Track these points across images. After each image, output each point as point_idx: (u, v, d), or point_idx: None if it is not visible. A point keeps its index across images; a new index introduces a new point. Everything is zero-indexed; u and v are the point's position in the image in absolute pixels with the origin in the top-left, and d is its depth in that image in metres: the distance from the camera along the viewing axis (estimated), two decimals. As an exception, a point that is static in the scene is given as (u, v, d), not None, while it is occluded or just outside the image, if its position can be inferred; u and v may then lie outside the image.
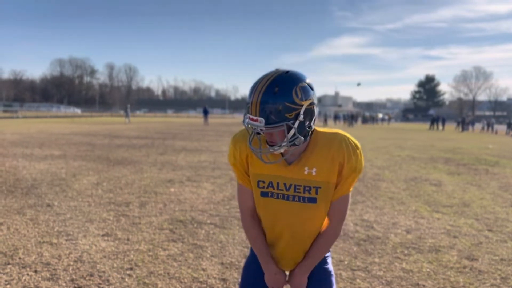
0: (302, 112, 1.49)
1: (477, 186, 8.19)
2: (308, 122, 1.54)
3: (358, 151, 1.61)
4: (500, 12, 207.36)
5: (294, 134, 1.50)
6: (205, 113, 36.79)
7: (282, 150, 1.53)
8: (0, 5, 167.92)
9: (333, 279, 1.78)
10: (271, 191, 1.65)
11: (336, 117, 57.48)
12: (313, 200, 1.62)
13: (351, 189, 1.68)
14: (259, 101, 1.47)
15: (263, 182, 1.66)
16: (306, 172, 1.60)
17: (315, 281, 1.74)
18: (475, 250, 4.35)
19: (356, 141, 1.63)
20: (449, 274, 3.69)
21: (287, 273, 1.79)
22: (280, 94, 1.46)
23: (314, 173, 1.60)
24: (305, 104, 1.50)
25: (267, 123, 1.46)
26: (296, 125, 1.49)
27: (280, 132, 1.52)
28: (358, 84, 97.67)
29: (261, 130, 1.49)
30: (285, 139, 1.50)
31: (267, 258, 1.73)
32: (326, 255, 1.79)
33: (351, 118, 49.41)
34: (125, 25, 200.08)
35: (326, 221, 1.71)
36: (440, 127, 43.29)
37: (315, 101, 1.55)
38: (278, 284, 1.74)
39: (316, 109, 1.58)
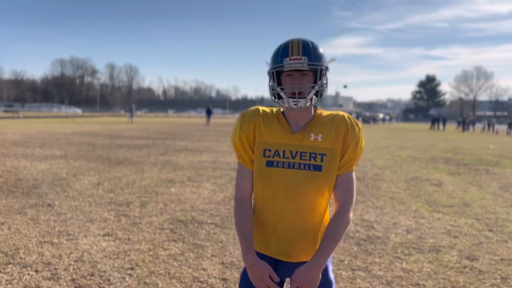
0: (327, 68, 1.64)
1: (477, 186, 8.19)
2: (326, 84, 1.65)
3: (359, 127, 1.69)
4: (501, 12, 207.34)
5: (325, 82, 1.63)
6: (208, 113, 36.84)
7: (309, 96, 1.60)
8: (0, 5, 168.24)
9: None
10: (277, 159, 1.65)
11: None
12: (318, 168, 1.63)
13: (354, 167, 1.69)
14: (301, 43, 1.61)
15: (269, 150, 1.67)
16: (312, 139, 1.65)
17: None
18: (475, 250, 4.35)
19: (357, 121, 1.71)
20: (450, 274, 3.70)
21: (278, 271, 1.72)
22: (316, 45, 1.64)
23: (320, 139, 1.64)
24: (328, 63, 1.66)
25: (310, 60, 1.58)
26: (327, 74, 1.64)
27: (312, 78, 1.62)
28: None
29: (304, 66, 1.58)
30: (319, 82, 1.61)
31: (249, 242, 1.61)
32: (327, 263, 1.71)
33: None
34: (126, 25, 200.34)
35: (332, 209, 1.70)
36: (441, 127, 43.26)
37: None
38: (259, 277, 1.57)
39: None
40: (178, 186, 7.25)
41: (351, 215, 1.66)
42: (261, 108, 1.76)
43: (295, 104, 1.59)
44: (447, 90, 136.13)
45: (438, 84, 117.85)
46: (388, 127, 46.49)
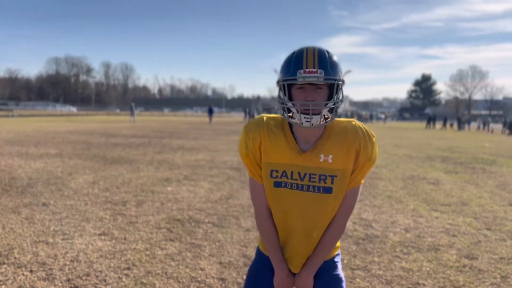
0: (343, 81, 1.52)
1: (474, 185, 8.19)
2: (342, 99, 1.54)
3: (373, 140, 1.58)
4: (496, 12, 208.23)
5: (340, 97, 1.50)
6: (210, 112, 38.15)
7: (323, 112, 1.48)
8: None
9: (344, 285, 1.70)
10: (285, 181, 1.58)
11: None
12: (328, 190, 1.56)
13: (363, 180, 1.64)
14: (316, 54, 1.47)
15: (277, 171, 1.59)
16: (322, 160, 1.54)
17: None
18: (474, 249, 4.33)
19: (371, 130, 1.60)
20: (449, 273, 3.67)
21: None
22: (332, 56, 1.51)
23: (330, 161, 1.54)
24: (343, 75, 1.53)
25: (326, 74, 1.45)
26: (343, 88, 1.51)
27: (327, 93, 1.50)
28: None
29: (320, 81, 1.45)
30: (334, 98, 1.48)
31: (279, 257, 1.65)
32: (336, 259, 1.72)
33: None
34: (121, 23, 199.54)
35: None
36: (437, 126, 43.43)
37: None
38: (288, 287, 1.67)
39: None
40: (174, 185, 7.19)
41: (345, 227, 1.67)
42: (266, 118, 1.63)
43: (307, 121, 1.46)
44: (443, 89, 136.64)
45: (434, 83, 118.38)
46: (383, 126, 46.56)
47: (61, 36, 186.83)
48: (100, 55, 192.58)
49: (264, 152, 1.59)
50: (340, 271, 1.72)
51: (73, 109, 78.18)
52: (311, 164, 1.55)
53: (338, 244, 1.73)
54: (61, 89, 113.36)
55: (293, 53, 1.52)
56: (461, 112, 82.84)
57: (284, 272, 1.65)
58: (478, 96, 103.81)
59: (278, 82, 1.54)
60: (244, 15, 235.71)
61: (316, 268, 1.64)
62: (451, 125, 45.06)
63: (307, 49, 1.50)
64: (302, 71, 1.45)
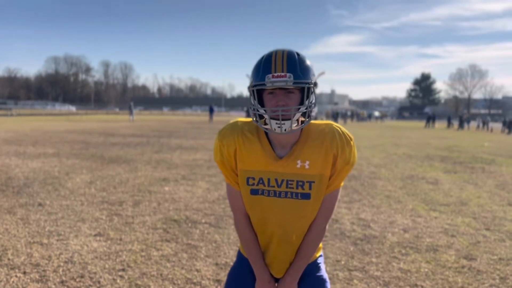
0: (316, 84, 1.47)
1: (473, 185, 8.15)
2: (315, 102, 1.48)
3: (351, 143, 1.54)
4: (495, 11, 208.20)
5: (313, 101, 1.45)
6: (211, 111, 39.05)
7: (295, 118, 1.42)
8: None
9: (328, 285, 1.69)
10: (262, 188, 1.55)
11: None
12: (306, 196, 1.53)
13: (342, 183, 1.60)
14: (285, 57, 1.42)
15: (253, 179, 1.55)
16: (298, 166, 1.51)
17: None
18: (473, 249, 4.29)
19: (349, 133, 1.56)
20: (448, 274, 3.63)
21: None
22: (303, 59, 1.45)
23: (307, 167, 1.50)
24: (316, 78, 1.48)
25: (296, 78, 1.39)
26: (315, 91, 1.46)
27: (298, 97, 1.45)
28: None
29: (289, 85, 1.40)
30: (307, 101, 1.43)
31: (261, 263, 1.63)
32: (319, 261, 1.70)
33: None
34: (120, 22, 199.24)
35: None
36: (438, 125, 43.39)
37: None
38: None
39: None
40: (172, 184, 7.15)
41: (325, 230, 1.64)
42: (240, 122, 1.58)
43: (279, 127, 1.41)
44: (442, 88, 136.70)
45: (433, 82, 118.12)
46: (381, 125, 46.51)
47: (60, 35, 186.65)
48: (99, 54, 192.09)
49: (240, 159, 1.55)
50: (324, 272, 1.71)
51: (72, 108, 78.11)
52: (288, 171, 1.52)
53: (320, 245, 1.70)
54: (60, 88, 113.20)
55: (262, 57, 1.47)
56: (460, 111, 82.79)
57: (266, 278, 1.63)
58: (477, 95, 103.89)
59: (248, 88, 1.49)
60: (243, 14, 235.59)
61: (300, 274, 1.63)
62: (453, 124, 45.03)
63: (276, 52, 1.45)
64: (270, 75, 1.40)
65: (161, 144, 14.27)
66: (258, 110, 1.45)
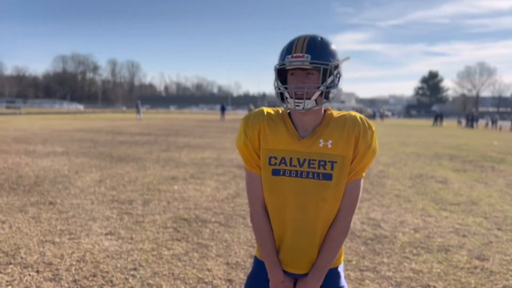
0: (340, 65, 1.51)
1: (484, 184, 8.08)
2: (338, 82, 1.52)
3: (372, 129, 1.56)
4: (502, 8, 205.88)
5: (332, 82, 1.49)
6: (223, 109, 40.50)
7: (314, 97, 1.47)
8: (2, 2, 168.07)
9: None
10: (283, 168, 1.54)
11: None
12: (328, 177, 1.51)
13: (364, 173, 1.59)
14: (306, 40, 1.49)
15: (275, 158, 1.55)
16: (321, 145, 1.52)
17: None
18: (485, 249, 4.25)
19: (370, 121, 1.58)
20: (460, 274, 3.61)
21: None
22: (325, 42, 1.51)
23: (330, 146, 1.51)
24: (342, 62, 1.53)
25: (313, 58, 1.45)
26: (335, 73, 1.49)
27: (318, 77, 1.49)
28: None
29: (306, 65, 1.45)
30: (325, 83, 1.47)
31: (275, 261, 1.58)
32: (339, 270, 1.64)
33: None
34: (127, 21, 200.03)
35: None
36: (445, 123, 43.09)
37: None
38: None
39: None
40: (181, 183, 7.16)
41: (350, 225, 1.59)
42: (265, 109, 1.63)
43: (297, 106, 1.47)
44: (450, 86, 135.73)
45: (441, 80, 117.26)
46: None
47: (68, 34, 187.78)
48: (106, 52, 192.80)
49: (263, 138, 1.57)
50: (343, 282, 1.65)
51: (80, 107, 78.60)
52: (311, 150, 1.53)
53: (342, 253, 1.65)
54: (68, 86, 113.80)
55: (288, 44, 1.55)
56: (468, 109, 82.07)
57: (278, 277, 1.58)
58: (485, 93, 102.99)
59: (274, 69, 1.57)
60: (249, 13, 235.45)
61: (324, 274, 1.56)
62: (461, 122, 44.47)
63: (300, 36, 1.53)
64: (290, 56, 1.48)
65: (169, 143, 14.31)
66: (279, 89, 1.52)
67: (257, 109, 1.64)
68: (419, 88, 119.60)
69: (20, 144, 12.39)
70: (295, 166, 1.53)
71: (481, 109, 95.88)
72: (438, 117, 44.91)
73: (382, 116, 63.78)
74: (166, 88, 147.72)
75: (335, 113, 1.59)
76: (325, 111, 1.59)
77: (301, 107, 1.46)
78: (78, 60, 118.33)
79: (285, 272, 1.60)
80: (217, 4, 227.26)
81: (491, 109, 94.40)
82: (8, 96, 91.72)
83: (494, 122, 42.07)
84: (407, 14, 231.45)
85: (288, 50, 1.49)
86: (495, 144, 18.60)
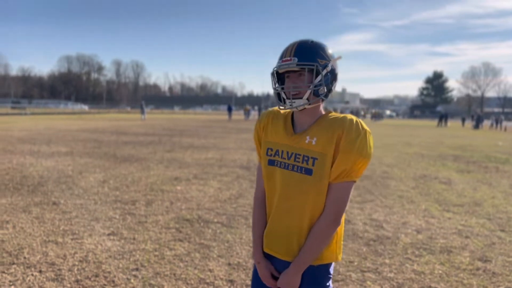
0: (330, 64, 1.60)
1: (488, 185, 8.04)
2: (331, 82, 1.62)
3: (362, 132, 1.54)
4: (508, 8, 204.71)
5: (320, 81, 1.58)
6: (230, 110, 41.53)
7: (305, 96, 1.58)
8: (8, 3, 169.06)
9: None
10: (277, 159, 1.70)
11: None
12: (309, 172, 1.60)
13: (354, 178, 1.57)
14: (296, 44, 1.61)
15: (271, 149, 1.72)
16: (307, 141, 1.62)
17: None
18: (488, 251, 4.24)
19: (364, 125, 1.58)
20: (462, 276, 3.59)
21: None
22: (314, 44, 1.61)
23: (314, 143, 1.60)
24: (333, 61, 1.62)
25: (300, 60, 1.56)
26: (324, 72, 1.58)
27: (307, 77, 1.59)
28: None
29: (292, 67, 1.57)
30: (312, 83, 1.58)
31: (257, 242, 1.77)
32: (328, 269, 1.67)
33: None
34: (132, 21, 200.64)
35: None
36: (449, 123, 42.87)
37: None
38: (264, 275, 1.73)
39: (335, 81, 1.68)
40: (184, 184, 7.18)
41: (335, 226, 1.60)
42: (276, 109, 1.79)
43: (290, 105, 1.61)
44: (454, 86, 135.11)
45: (446, 80, 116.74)
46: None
47: (73, 34, 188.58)
48: (111, 53, 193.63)
49: (265, 132, 1.77)
50: (330, 284, 1.68)
51: (85, 107, 78.89)
52: (298, 145, 1.64)
53: (334, 252, 1.66)
54: (73, 87, 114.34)
55: (283, 51, 1.67)
56: (473, 110, 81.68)
57: (255, 257, 1.77)
58: (490, 93, 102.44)
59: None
60: (253, 13, 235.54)
61: (303, 267, 1.61)
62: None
63: (294, 41, 1.64)
64: (281, 60, 1.61)
65: (173, 143, 14.34)
66: (277, 90, 1.68)
67: (271, 108, 1.83)
68: (424, 89, 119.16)
69: (25, 144, 12.46)
70: (285, 158, 1.67)
71: (486, 109, 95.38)
72: (443, 117, 44.76)
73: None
74: (170, 88, 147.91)
75: (334, 115, 1.65)
76: (326, 112, 1.68)
77: (293, 106, 1.60)
78: (83, 60, 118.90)
79: (269, 256, 1.74)
80: (222, 5, 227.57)
81: (496, 110, 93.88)
82: (14, 96, 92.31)
83: (499, 122, 41.84)
84: (412, 14, 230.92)
85: (281, 55, 1.63)
86: (500, 145, 18.51)
